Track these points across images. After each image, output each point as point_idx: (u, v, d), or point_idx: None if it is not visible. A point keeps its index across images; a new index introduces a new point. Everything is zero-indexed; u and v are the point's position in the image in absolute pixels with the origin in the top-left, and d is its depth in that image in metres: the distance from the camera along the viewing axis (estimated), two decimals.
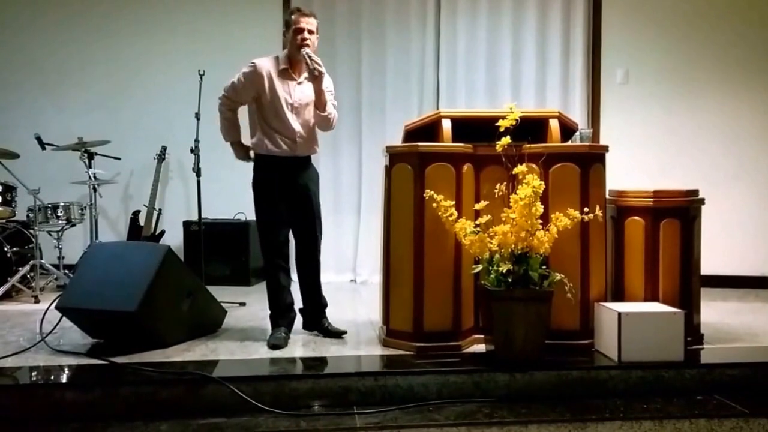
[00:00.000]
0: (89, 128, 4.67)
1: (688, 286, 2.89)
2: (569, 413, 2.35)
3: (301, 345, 2.96)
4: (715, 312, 3.60)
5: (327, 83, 2.94)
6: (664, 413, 2.37)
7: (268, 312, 3.10)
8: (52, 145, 4.43)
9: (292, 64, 2.95)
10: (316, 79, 2.82)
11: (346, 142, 4.90)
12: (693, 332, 2.87)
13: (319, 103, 2.91)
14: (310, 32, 2.86)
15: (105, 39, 4.95)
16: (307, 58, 2.79)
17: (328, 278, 4.84)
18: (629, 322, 2.60)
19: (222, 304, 3.28)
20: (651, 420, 2.33)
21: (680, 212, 2.88)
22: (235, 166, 4.92)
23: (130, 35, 4.95)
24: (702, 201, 2.98)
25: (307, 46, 2.82)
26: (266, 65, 2.94)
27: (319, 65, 2.78)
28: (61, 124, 4.83)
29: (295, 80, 2.96)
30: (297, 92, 2.97)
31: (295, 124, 2.95)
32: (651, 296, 2.86)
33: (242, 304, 3.87)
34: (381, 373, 2.50)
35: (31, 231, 4.14)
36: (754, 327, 3.32)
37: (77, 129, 4.61)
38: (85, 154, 4.42)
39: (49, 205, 4.16)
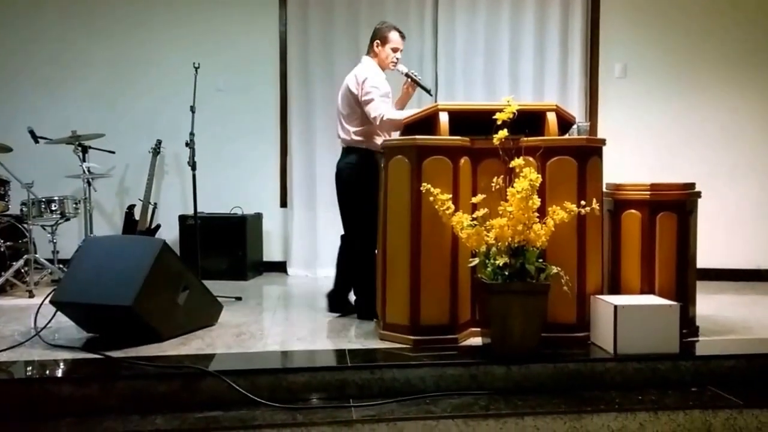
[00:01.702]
0: (83, 121, 4.65)
1: (684, 279, 2.89)
2: (565, 405, 2.36)
3: (297, 339, 2.96)
4: (711, 304, 3.61)
5: None
6: (659, 405, 2.38)
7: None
8: (45, 138, 4.40)
9: (385, 74, 3.37)
10: (413, 90, 3.38)
11: None
12: (688, 324, 2.88)
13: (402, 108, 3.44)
14: (401, 51, 3.36)
15: (99, 31, 4.91)
16: (417, 79, 3.34)
17: (325, 272, 4.86)
18: (625, 314, 2.60)
19: (218, 299, 3.27)
20: (646, 411, 2.34)
21: (677, 206, 2.88)
22: (231, 160, 4.96)
23: (124, 28, 4.91)
24: (698, 194, 2.98)
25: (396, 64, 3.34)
26: (383, 76, 3.33)
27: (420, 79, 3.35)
28: (54, 117, 4.79)
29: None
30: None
31: None
32: (647, 289, 2.86)
33: (238, 298, 3.86)
34: (378, 367, 2.50)
35: (25, 225, 4.12)
36: (749, 319, 3.34)
37: (71, 122, 4.59)
38: (79, 148, 4.39)
39: (43, 199, 4.13)
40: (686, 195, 2.92)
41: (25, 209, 4.10)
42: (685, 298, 2.86)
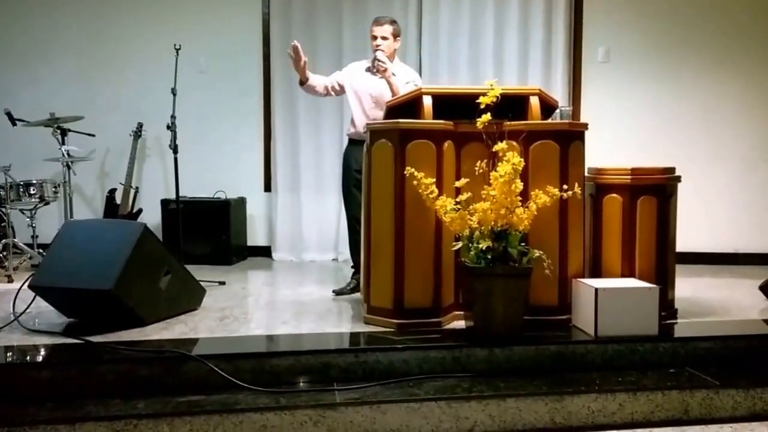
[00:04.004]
0: (62, 104, 4.56)
1: (664, 262, 2.93)
2: (546, 387, 2.40)
3: (281, 323, 2.96)
4: (690, 287, 3.67)
5: (408, 76, 3.45)
6: (638, 386, 2.43)
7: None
8: (23, 120, 4.32)
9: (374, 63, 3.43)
10: (380, 73, 3.36)
11: (328, 120, 4.85)
12: (667, 307, 2.93)
13: (390, 93, 3.36)
14: (383, 38, 3.40)
15: (78, 11, 4.80)
16: (375, 59, 3.35)
17: (311, 256, 4.85)
18: (606, 297, 2.64)
19: (201, 283, 3.25)
20: (625, 392, 2.38)
21: (657, 190, 2.91)
22: (214, 143, 4.90)
23: (104, 7, 4.81)
24: (678, 179, 3.02)
25: (381, 50, 3.37)
26: (355, 65, 3.59)
27: (381, 63, 3.32)
28: (32, 99, 4.69)
29: (376, 76, 3.43)
30: (377, 86, 3.43)
31: (371, 112, 3.44)
32: (628, 272, 2.90)
33: (222, 283, 3.84)
34: (362, 350, 2.51)
35: (3, 209, 4.05)
36: (726, 302, 3.40)
37: (49, 104, 4.49)
38: (58, 131, 4.31)
39: (22, 183, 4.06)
40: (666, 179, 2.95)
41: (2, 193, 4.03)
42: (664, 281, 2.90)
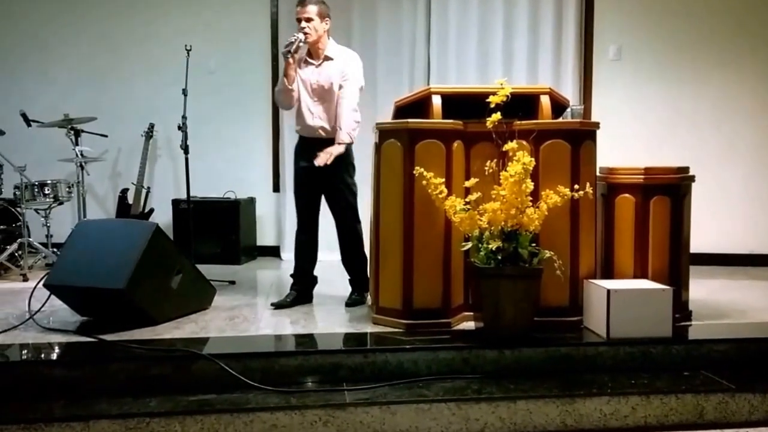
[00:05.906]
0: (75, 105, 4.60)
1: (677, 263, 2.90)
2: (557, 389, 2.37)
3: (290, 322, 2.96)
4: (704, 289, 3.62)
5: (347, 67, 3.14)
6: (652, 388, 2.40)
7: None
8: (37, 121, 4.37)
9: (311, 50, 3.19)
10: (323, 159, 3.04)
11: None
12: (681, 309, 2.89)
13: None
14: (308, 20, 3.08)
15: (91, 13, 4.85)
16: (295, 40, 3.05)
17: (320, 256, 4.84)
18: (618, 298, 2.60)
19: (212, 283, 3.27)
20: (638, 395, 2.36)
21: (671, 189, 2.87)
22: (224, 144, 4.92)
23: (116, 10, 4.85)
24: (692, 178, 2.98)
25: (306, 33, 3.08)
26: (303, 55, 3.21)
27: (288, 45, 3.02)
28: (46, 100, 4.75)
29: (313, 64, 3.20)
30: (314, 75, 3.18)
31: (313, 106, 3.18)
32: (640, 273, 2.86)
33: (232, 282, 3.86)
34: (371, 350, 2.51)
35: (18, 209, 4.10)
36: (742, 304, 3.35)
37: (63, 105, 4.54)
38: (72, 131, 4.36)
39: (36, 183, 4.11)
40: (680, 179, 2.91)
41: (18, 193, 4.08)
42: (678, 282, 2.86)
